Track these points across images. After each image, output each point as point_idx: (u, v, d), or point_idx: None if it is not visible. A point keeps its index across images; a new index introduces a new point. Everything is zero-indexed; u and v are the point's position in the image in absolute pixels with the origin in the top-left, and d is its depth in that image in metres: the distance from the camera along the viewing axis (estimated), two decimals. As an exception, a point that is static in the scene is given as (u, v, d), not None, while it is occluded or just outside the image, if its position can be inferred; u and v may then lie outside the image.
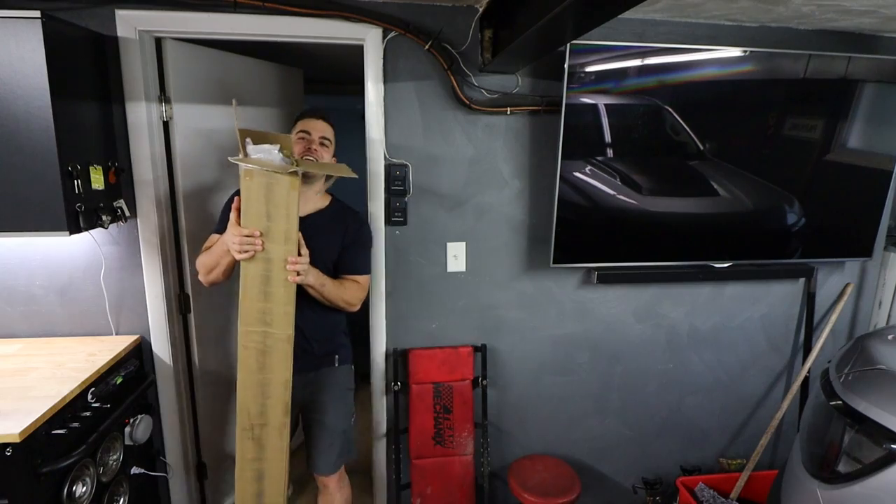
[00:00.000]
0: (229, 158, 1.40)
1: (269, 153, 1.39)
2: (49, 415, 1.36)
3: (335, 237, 1.67)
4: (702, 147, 1.96)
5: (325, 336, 1.73)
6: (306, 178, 1.59)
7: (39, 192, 1.47)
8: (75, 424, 1.45)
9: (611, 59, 1.81)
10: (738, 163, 1.99)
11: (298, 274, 1.48)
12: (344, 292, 1.64)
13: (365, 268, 1.73)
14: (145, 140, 1.77)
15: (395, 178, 1.91)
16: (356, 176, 1.58)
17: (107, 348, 1.75)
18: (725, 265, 2.12)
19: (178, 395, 1.99)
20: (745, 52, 1.88)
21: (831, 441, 1.41)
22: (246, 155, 1.39)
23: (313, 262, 1.54)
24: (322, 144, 1.64)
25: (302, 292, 1.57)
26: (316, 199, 1.70)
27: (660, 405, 2.32)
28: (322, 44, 1.87)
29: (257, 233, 1.42)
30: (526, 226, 2.05)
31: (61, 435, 1.41)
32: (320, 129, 1.64)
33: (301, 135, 1.63)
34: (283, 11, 1.72)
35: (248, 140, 1.40)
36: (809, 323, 2.31)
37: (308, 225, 1.59)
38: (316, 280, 1.54)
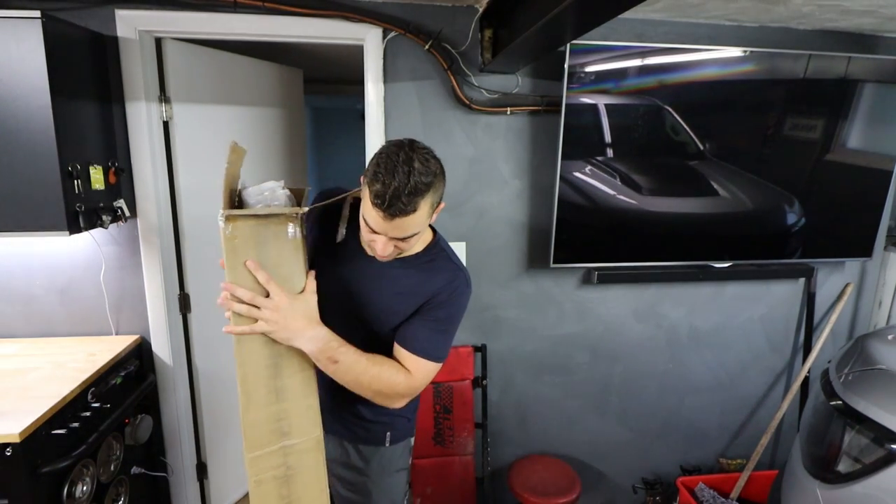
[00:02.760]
0: (221, 213, 0.95)
1: (272, 191, 1.00)
2: (49, 415, 1.36)
3: (409, 303, 1.10)
4: (702, 147, 1.96)
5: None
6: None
7: (39, 192, 1.47)
8: (75, 424, 1.45)
9: (611, 59, 1.81)
10: (738, 163, 1.99)
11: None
12: (374, 378, 1.04)
13: (428, 350, 1.10)
14: (145, 140, 1.77)
15: (396, 178, 1.89)
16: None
17: (107, 348, 1.75)
18: (725, 265, 2.12)
19: (178, 395, 1.99)
20: (745, 52, 1.88)
21: (831, 441, 1.41)
22: (240, 204, 1.00)
23: (371, 326, 1.11)
24: (399, 244, 1.01)
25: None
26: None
27: (660, 405, 2.32)
28: (322, 44, 1.87)
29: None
30: (526, 226, 2.05)
31: (61, 435, 1.41)
32: (394, 230, 0.97)
33: (363, 224, 1.01)
34: (283, 11, 1.72)
35: (243, 185, 1.02)
36: (809, 323, 2.31)
37: (381, 271, 1.10)
38: (316, 349, 1.01)
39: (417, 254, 1.12)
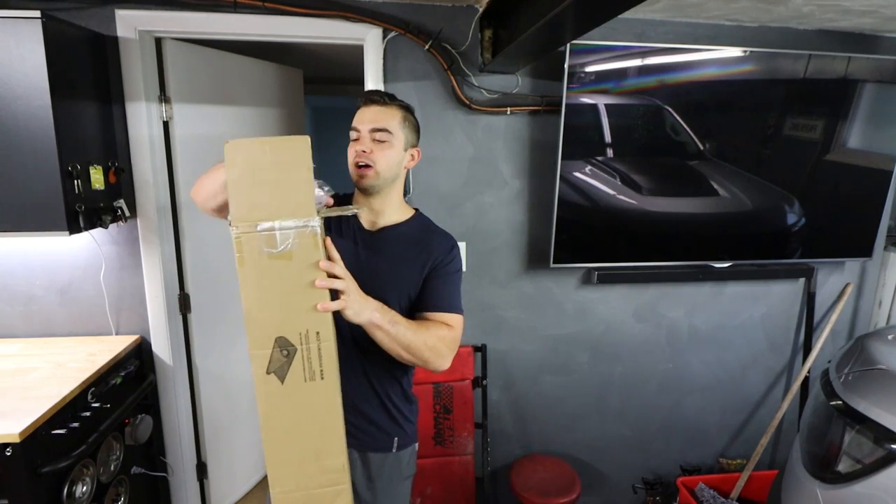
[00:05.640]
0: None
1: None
2: (49, 415, 1.36)
3: (415, 264, 1.16)
4: (702, 147, 1.96)
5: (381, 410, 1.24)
6: (370, 191, 1.16)
7: (39, 192, 1.47)
8: (75, 424, 1.45)
9: (611, 59, 1.81)
10: (738, 163, 1.99)
11: (339, 295, 0.94)
12: (427, 335, 1.07)
13: (457, 305, 1.17)
14: (145, 140, 1.77)
15: (396, 178, 1.90)
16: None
17: (107, 348, 1.75)
18: (725, 265, 2.12)
19: (178, 395, 1.99)
20: (745, 52, 1.88)
21: (831, 441, 1.41)
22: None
23: (382, 296, 1.08)
24: (376, 140, 1.13)
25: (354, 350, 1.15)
26: (393, 212, 1.21)
27: (660, 405, 2.32)
28: (322, 44, 1.87)
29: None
30: (526, 225, 2.05)
31: (61, 435, 1.41)
32: (370, 118, 1.13)
33: (351, 134, 1.16)
34: (283, 11, 1.72)
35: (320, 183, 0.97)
36: (809, 323, 2.31)
37: (378, 241, 1.18)
38: (381, 315, 1.01)
39: (405, 221, 1.22)
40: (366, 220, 1.20)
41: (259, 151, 0.87)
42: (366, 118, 1.14)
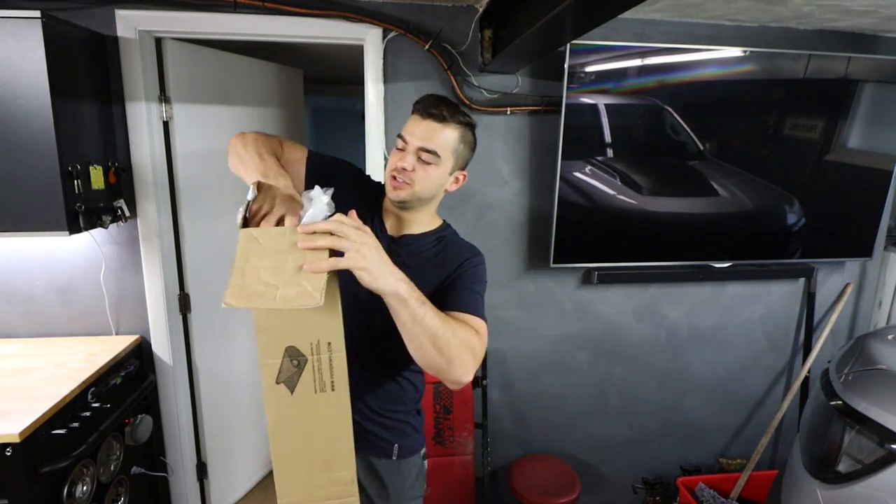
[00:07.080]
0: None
1: (316, 201, 0.87)
2: (49, 415, 1.36)
3: (428, 277, 1.05)
4: (702, 147, 1.96)
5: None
6: (402, 206, 1.10)
7: (39, 192, 1.47)
8: (75, 424, 1.45)
9: (611, 59, 1.81)
10: (738, 163, 1.99)
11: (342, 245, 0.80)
12: (456, 327, 0.91)
13: (478, 308, 1.02)
14: (145, 140, 1.77)
15: (396, 178, 1.89)
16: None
17: (107, 348, 1.75)
18: (725, 265, 2.12)
19: (178, 395, 1.99)
20: (745, 52, 1.88)
21: (831, 441, 1.41)
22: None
23: (383, 321, 0.96)
24: (422, 160, 1.03)
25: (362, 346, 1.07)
26: (420, 224, 1.14)
27: (660, 405, 2.32)
28: (322, 44, 1.87)
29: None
30: (526, 226, 2.05)
31: (61, 435, 1.41)
32: (422, 134, 1.03)
33: (398, 142, 1.07)
34: (283, 11, 1.72)
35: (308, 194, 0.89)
36: (809, 323, 2.31)
37: (397, 247, 1.10)
38: (408, 288, 0.84)
39: (429, 231, 1.14)
40: (391, 226, 1.14)
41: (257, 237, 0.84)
42: (417, 133, 1.03)
